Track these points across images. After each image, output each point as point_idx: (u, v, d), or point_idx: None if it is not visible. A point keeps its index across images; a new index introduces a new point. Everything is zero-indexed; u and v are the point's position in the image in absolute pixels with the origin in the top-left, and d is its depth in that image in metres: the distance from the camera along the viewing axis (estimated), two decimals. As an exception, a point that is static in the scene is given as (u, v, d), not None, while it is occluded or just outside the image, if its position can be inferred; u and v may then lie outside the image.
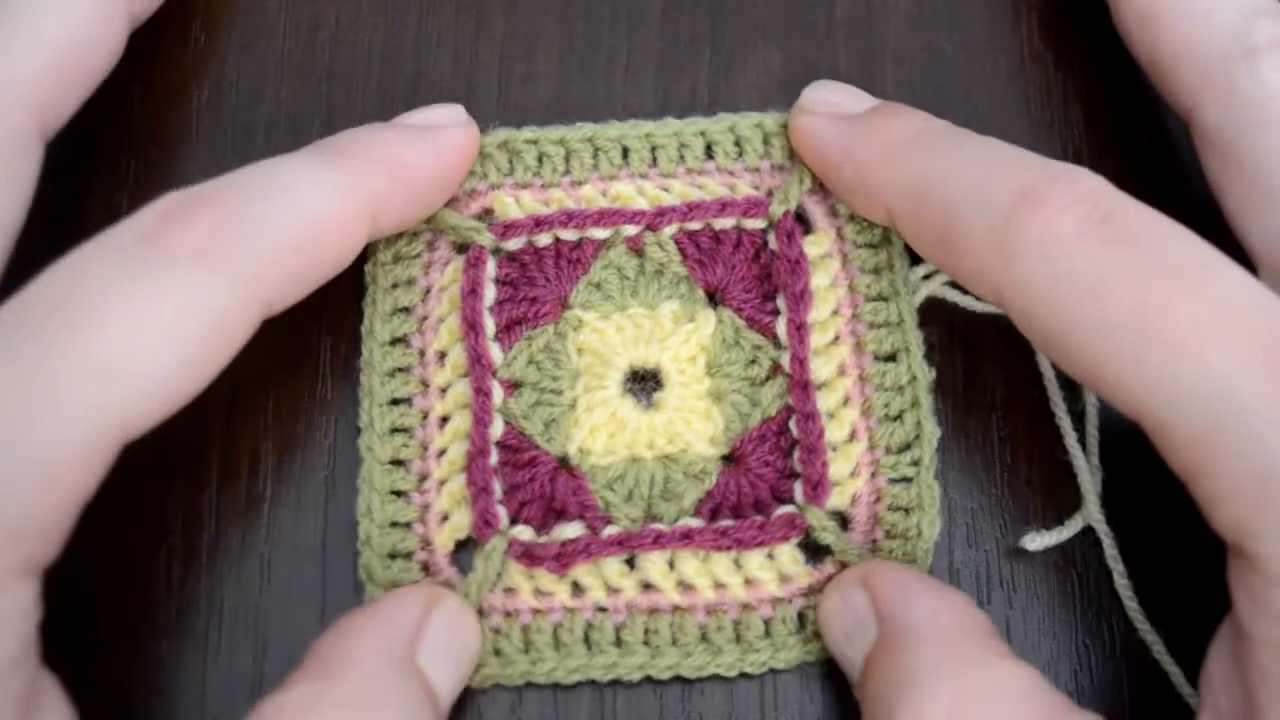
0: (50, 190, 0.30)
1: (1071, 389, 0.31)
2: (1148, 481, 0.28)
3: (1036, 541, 0.30)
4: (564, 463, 0.30)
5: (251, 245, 0.25)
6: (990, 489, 0.31)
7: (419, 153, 0.30)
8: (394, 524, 0.30)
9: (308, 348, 0.32)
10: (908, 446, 0.30)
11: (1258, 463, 0.23)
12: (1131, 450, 0.29)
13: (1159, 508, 0.30)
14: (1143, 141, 0.33)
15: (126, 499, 0.29)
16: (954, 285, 0.31)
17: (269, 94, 0.34)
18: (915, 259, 0.31)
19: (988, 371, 0.32)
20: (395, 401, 0.31)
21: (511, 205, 0.32)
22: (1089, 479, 0.30)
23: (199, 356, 0.25)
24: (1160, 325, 0.23)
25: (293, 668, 0.25)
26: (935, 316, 0.31)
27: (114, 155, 0.33)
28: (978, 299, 0.31)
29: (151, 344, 0.24)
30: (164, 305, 0.24)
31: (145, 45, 0.32)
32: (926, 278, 0.31)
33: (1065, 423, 0.30)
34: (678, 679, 0.29)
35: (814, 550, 0.29)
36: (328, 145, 0.29)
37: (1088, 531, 0.30)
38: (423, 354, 0.31)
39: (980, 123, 0.33)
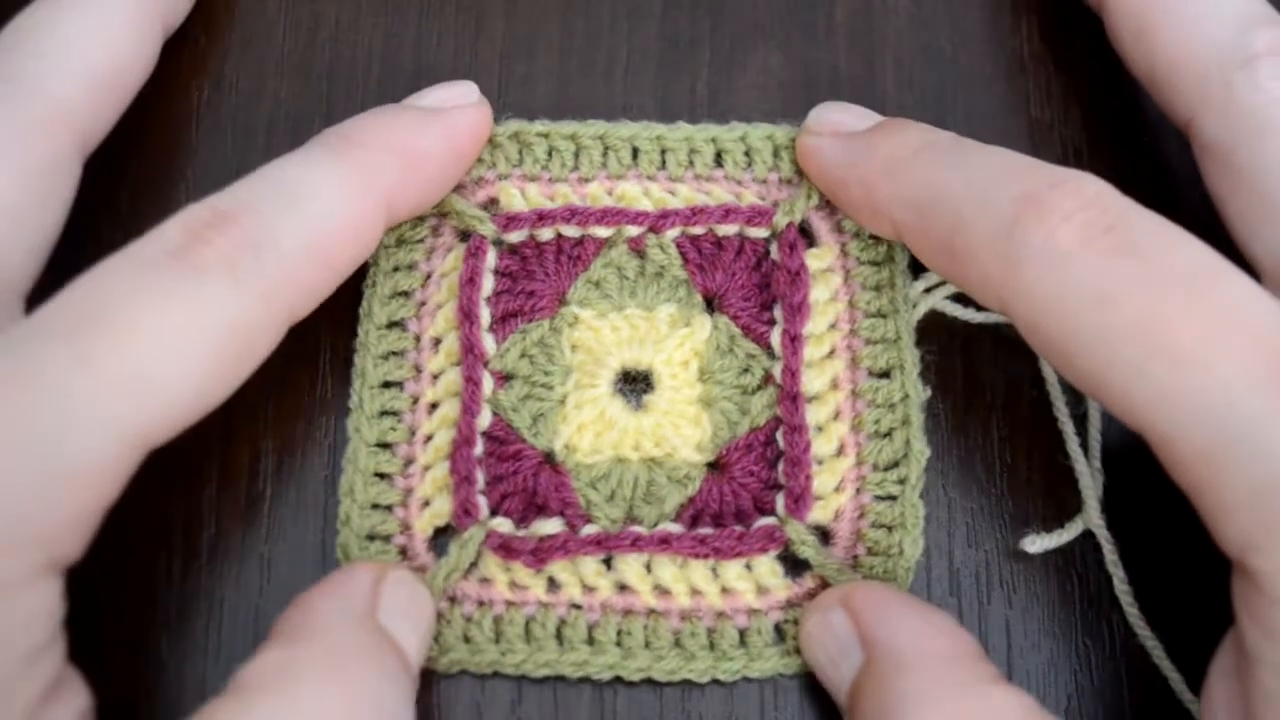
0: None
1: (1074, 391, 0.31)
2: (1148, 484, 0.28)
3: (1036, 544, 0.30)
4: (549, 458, 0.30)
5: (274, 260, 0.26)
6: (990, 489, 0.31)
7: (431, 138, 0.30)
8: (375, 506, 0.30)
9: (308, 347, 0.32)
10: (895, 464, 0.30)
11: (1263, 477, 0.22)
12: (1132, 453, 0.29)
13: (1159, 511, 0.29)
14: (1142, 142, 0.33)
15: (127, 499, 0.29)
16: (954, 299, 0.31)
17: (269, 94, 0.34)
18: (917, 272, 0.31)
19: (988, 372, 0.32)
20: (387, 384, 0.31)
21: (517, 197, 0.32)
22: (1090, 483, 0.30)
23: (224, 369, 0.25)
24: (1164, 338, 0.23)
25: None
26: (938, 319, 0.31)
27: (114, 155, 0.33)
28: (980, 310, 0.31)
29: (178, 356, 0.24)
30: (192, 319, 0.25)
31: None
32: (928, 290, 0.31)
33: (1068, 426, 0.30)
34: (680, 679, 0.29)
35: (794, 564, 0.29)
36: (339, 139, 0.29)
37: (1088, 533, 0.30)
38: (418, 339, 0.31)
39: (980, 123, 0.33)
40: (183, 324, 0.24)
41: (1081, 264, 0.24)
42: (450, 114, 0.30)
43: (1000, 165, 0.27)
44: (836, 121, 0.31)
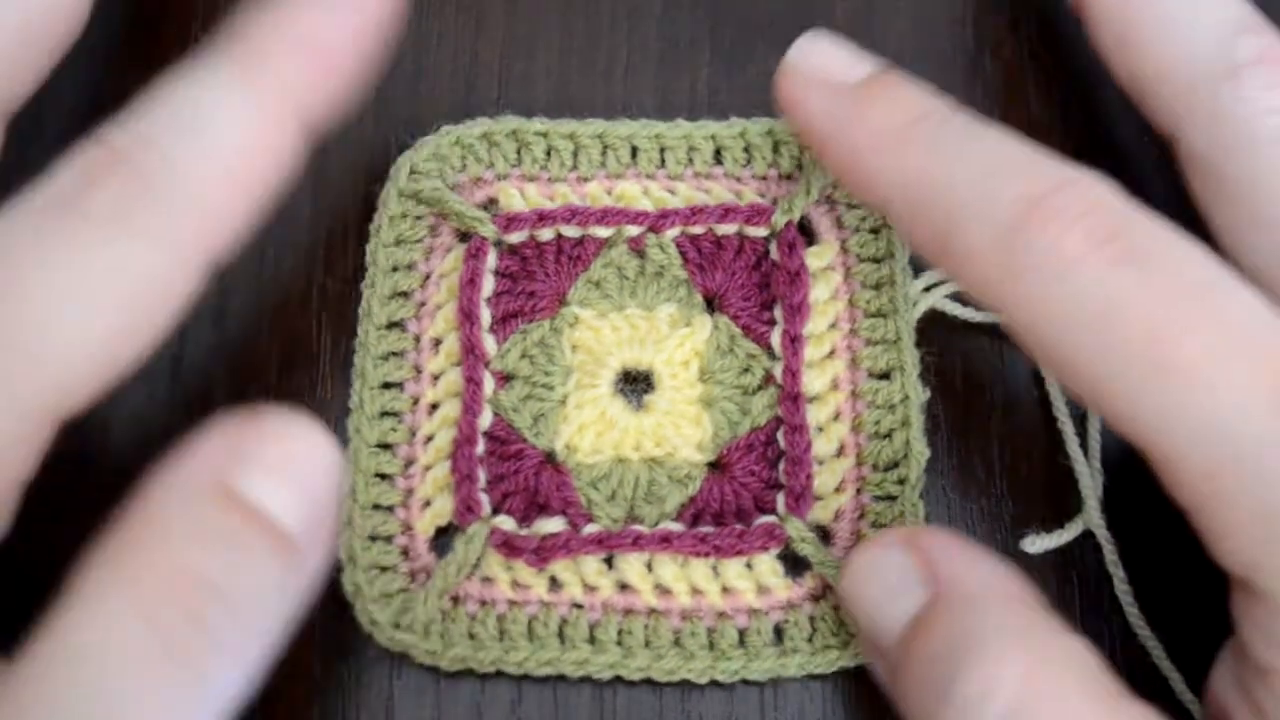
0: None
1: (1073, 391, 0.31)
2: (1148, 484, 0.28)
3: (1036, 544, 0.30)
4: (550, 458, 0.30)
5: (176, 200, 0.24)
6: (990, 490, 0.31)
7: (335, 27, 0.26)
8: (376, 506, 0.30)
9: (308, 348, 0.32)
10: (895, 465, 0.30)
11: (1264, 499, 0.22)
12: (1132, 454, 0.29)
13: (1159, 511, 0.29)
14: (1143, 142, 0.33)
15: (127, 499, 0.29)
16: (955, 298, 0.31)
17: (269, 94, 0.34)
18: (917, 270, 0.31)
19: (988, 372, 0.32)
20: (387, 385, 0.31)
21: (516, 197, 0.32)
22: (1090, 483, 0.30)
23: (131, 325, 0.23)
24: (1167, 355, 0.23)
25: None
26: (938, 317, 0.31)
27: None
28: (980, 309, 0.31)
29: (78, 318, 0.23)
30: (88, 275, 0.23)
31: (145, 45, 0.32)
32: (927, 289, 0.31)
33: (1067, 427, 0.30)
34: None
35: (794, 564, 0.29)
36: (236, 47, 0.25)
37: (1088, 533, 0.30)
38: (418, 340, 0.31)
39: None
40: (80, 281, 0.23)
41: (1086, 272, 0.23)
42: None
43: (1001, 157, 0.26)
44: (822, 65, 0.28)
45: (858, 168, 0.27)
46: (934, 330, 0.31)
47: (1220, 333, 0.23)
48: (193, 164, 0.24)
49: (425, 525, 0.30)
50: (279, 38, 0.25)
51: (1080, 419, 0.31)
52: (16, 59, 0.27)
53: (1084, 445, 0.30)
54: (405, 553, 0.30)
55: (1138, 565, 0.30)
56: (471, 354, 0.30)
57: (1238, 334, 0.23)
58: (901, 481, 0.30)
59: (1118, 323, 0.23)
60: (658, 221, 0.31)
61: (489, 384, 0.30)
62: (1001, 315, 0.26)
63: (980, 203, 0.25)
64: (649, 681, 0.29)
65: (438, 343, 0.31)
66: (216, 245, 0.25)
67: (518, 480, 0.30)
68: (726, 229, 0.32)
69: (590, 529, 0.29)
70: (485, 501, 0.29)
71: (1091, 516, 0.30)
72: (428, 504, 0.30)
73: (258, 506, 0.23)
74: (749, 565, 0.29)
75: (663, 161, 0.33)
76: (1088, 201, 0.24)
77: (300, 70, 0.25)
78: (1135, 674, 0.29)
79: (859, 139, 0.27)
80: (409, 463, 0.30)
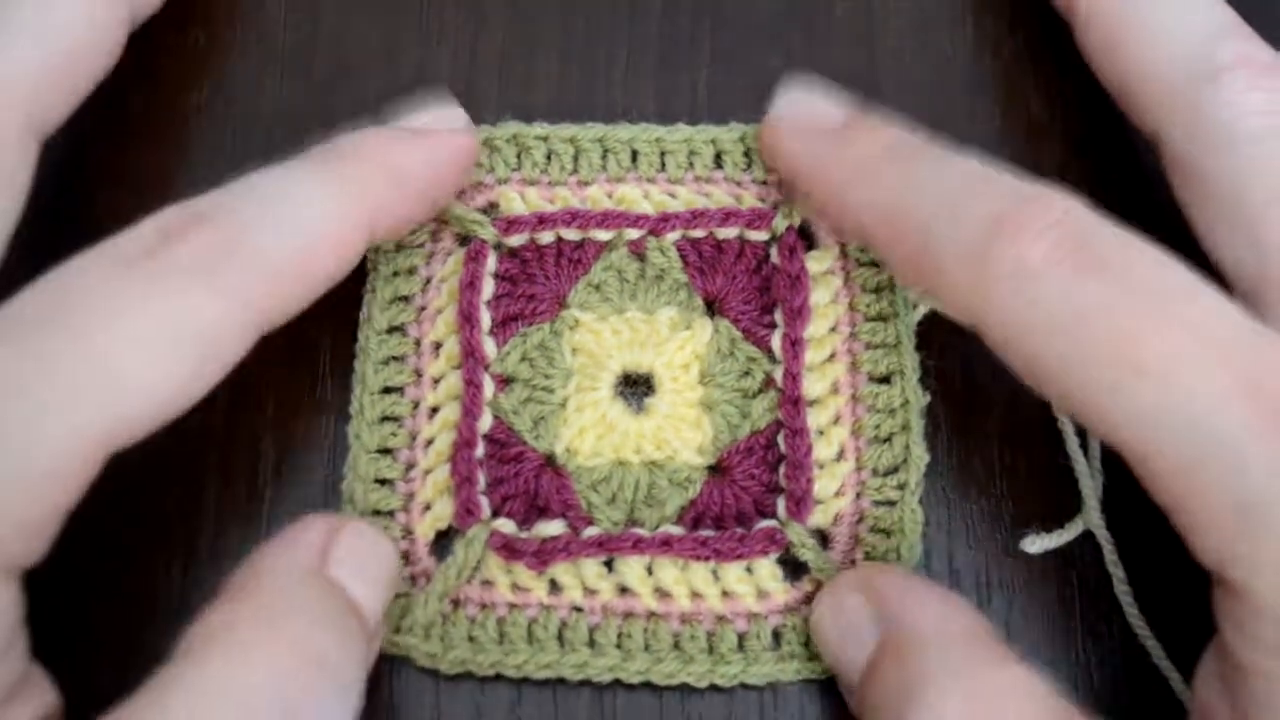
0: (50, 190, 0.30)
1: (1073, 391, 0.31)
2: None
3: (1036, 544, 0.30)
4: (550, 461, 0.30)
5: (250, 265, 0.25)
6: (991, 490, 0.31)
7: (419, 161, 0.29)
8: (377, 512, 0.30)
9: (308, 348, 0.32)
10: (894, 470, 0.30)
11: (1238, 494, 0.23)
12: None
13: (1159, 511, 0.29)
14: (1143, 141, 0.33)
15: (126, 499, 0.29)
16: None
17: (269, 94, 0.34)
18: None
19: (988, 372, 0.31)
20: (387, 390, 0.31)
21: (516, 201, 0.32)
22: (1090, 483, 0.30)
23: (191, 372, 0.25)
24: (1136, 356, 0.23)
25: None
26: (938, 317, 0.31)
27: (114, 155, 0.33)
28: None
29: (144, 358, 0.24)
30: (159, 320, 0.24)
31: (145, 45, 0.32)
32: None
33: (1068, 426, 0.30)
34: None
35: (793, 568, 0.29)
36: (329, 154, 0.28)
37: (1088, 533, 0.30)
38: (418, 344, 0.31)
39: (980, 122, 0.33)
40: (151, 325, 0.24)
41: (1051, 282, 0.24)
42: (440, 138, 0.30)
43: (970, 179, 0.27)
44: (802, 112, 0.30)
45: (838, 200, 0.29)
46: (934, 330, 0.31)
47: (1189, 332, 0.23)
48: (269, 240, 0.26)
49: (425, 529, 0.30)
50: (367, 157, 0.28)
51: (1080, 419, 0.31)
52: (60, 84, 0.29)
53: (1084, 445, 0.30)
54: (406, 556, 0.30)
55: (1138, 565, 0.30)
56: (471, 357, 0.30)
57: (1206, 333, 0.23)
58: (901, 486, 0.30)
59: (1088, 328, 0.24)
60: (658, 225, 0.31)
61: (489, 387, 0.30)
62: (975, 328, 0.26)
63: (951, 222, 0.26)
64: (648, 684, 0.29)
65: (438, 346, 0.31)
66: (273, 318, 0.26)
67: (518, 483, 0.30)
68: (727, 233, 0.32)
69: (590, 532, 0.29)
70: (485, 504, 0.29)
71: (1091, 516, 0.30)
72: (428, 508, 0.30)
73: (350, 592, 0.26)
74: (749, 569, 0.29)
75: (663, 165, 0.33)
76: (1054, 214, 0.25)
77: (379, 186, 0.28)
78: (1135, 674, 0.29)
79: (839, 174, 0.29)
80: (409, 467, 0.30)
